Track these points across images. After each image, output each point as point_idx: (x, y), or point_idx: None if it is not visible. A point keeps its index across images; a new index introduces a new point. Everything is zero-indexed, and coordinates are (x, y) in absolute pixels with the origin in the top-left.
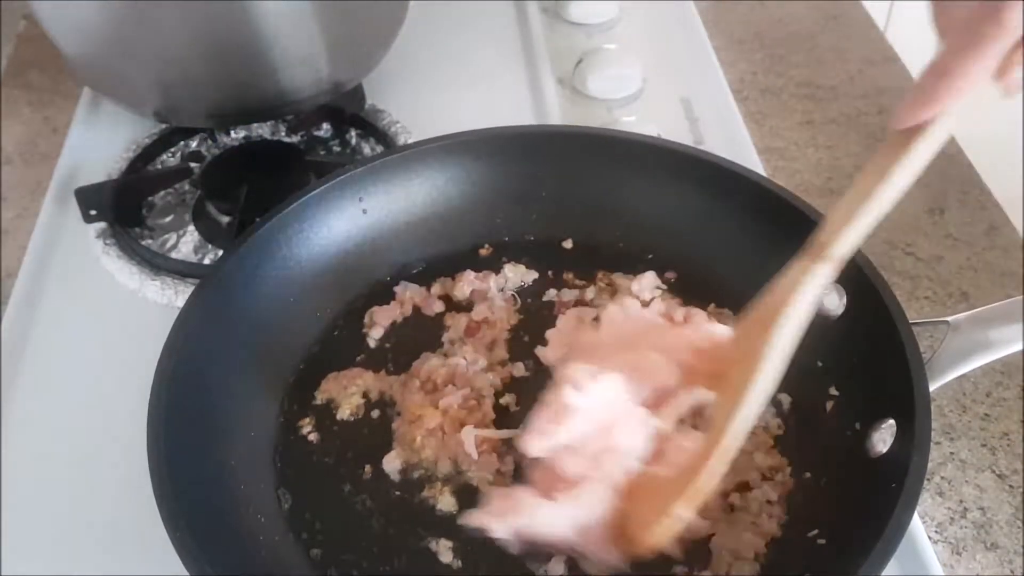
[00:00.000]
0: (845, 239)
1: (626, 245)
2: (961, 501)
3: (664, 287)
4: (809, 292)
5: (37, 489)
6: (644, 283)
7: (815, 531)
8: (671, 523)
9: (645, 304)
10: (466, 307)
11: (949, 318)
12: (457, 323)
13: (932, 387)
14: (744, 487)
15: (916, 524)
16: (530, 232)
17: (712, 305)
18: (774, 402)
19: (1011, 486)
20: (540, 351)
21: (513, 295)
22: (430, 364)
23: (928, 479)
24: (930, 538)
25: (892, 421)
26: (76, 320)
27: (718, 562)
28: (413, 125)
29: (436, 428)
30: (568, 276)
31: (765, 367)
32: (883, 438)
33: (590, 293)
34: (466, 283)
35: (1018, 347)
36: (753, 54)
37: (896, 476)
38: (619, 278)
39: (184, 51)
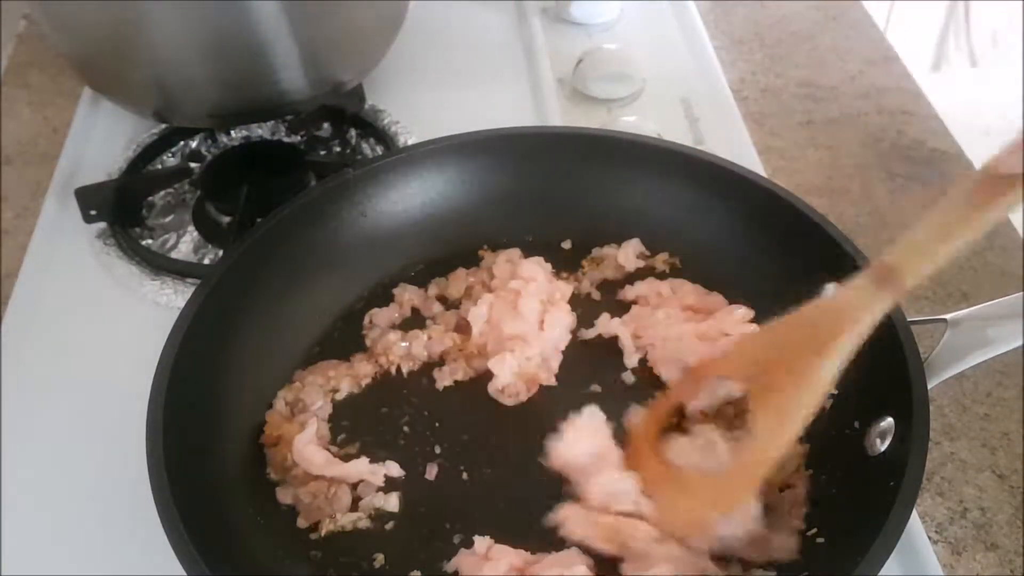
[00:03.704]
0: (918, 271)
1: None
2: (961, 501)
3: (648, 254)
4: (873, 317)
5: (37, 489)
6: (628, 250)
7: (814, 530)
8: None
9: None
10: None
11: (947, 315)
12: (447, 320)
13: (931, 384)
14: None
15: (916, 524)
16: (529, 233)
17: None
18: None
19: (1011, 486)
20: None
21: None
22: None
23: (928, 479)
24: (930, 538)
25: (891, 419)
26: (76, 320)
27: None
28: (413, 125)
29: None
30: (566, 276)
31: (818, 387)
32: (882, 436)
33: (585, 285)
34: (460, 281)
35: (1017, 344)
36: (753, 54)
37: (895, 474)
38: (603, 251)
39: (184, 51)
